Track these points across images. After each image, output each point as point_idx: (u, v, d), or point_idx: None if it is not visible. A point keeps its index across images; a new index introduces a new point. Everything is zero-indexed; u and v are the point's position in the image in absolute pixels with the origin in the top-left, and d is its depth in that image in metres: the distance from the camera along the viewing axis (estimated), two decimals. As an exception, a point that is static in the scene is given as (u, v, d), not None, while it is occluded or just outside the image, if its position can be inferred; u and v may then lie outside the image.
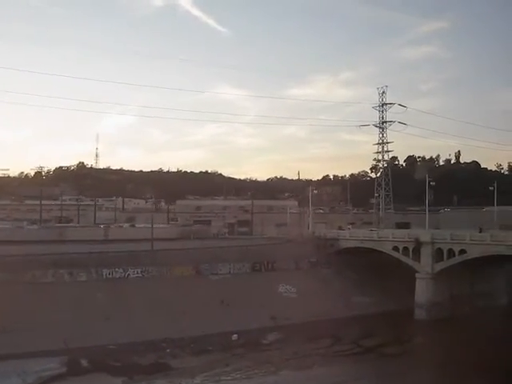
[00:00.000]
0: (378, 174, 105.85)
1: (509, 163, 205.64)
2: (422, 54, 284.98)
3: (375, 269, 72.66)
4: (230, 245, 76.98)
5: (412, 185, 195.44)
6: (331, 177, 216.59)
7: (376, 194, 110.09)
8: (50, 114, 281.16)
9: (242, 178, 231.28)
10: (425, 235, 69.02)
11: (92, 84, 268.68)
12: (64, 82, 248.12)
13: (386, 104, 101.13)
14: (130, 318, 56.87)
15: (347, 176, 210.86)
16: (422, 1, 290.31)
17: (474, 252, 64.17)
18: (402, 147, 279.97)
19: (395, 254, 71.35)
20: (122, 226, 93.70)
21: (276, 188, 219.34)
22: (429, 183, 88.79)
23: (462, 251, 65.18)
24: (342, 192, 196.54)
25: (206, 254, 70.88)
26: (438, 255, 67.55)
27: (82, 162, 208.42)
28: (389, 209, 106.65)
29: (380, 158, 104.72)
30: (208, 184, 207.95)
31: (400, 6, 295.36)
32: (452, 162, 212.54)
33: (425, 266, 67.98)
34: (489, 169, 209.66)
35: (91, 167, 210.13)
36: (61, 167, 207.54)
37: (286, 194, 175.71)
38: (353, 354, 53.74)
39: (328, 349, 54.89)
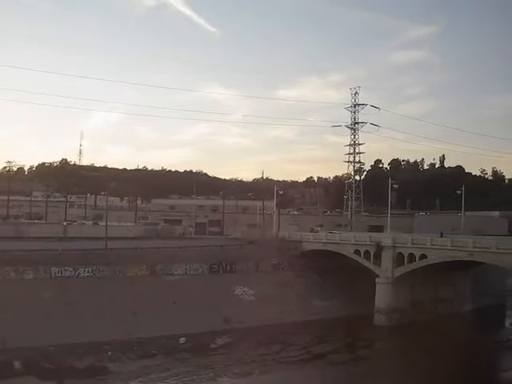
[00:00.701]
0: (352, 176, 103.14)
1: (493, 168, 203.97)
2: (411, 58, 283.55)
3: (338, 272, 70.65)
4: (190, 245, 74.39)
5: (394, 188, 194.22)
6: (315, 179, 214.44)
7: (345, 196, 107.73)
8: (36, 111, 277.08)
9: (228, 178, 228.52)
10: (386, 239, 66.98)
11: (80, 81, 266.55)
12: (51, 78, 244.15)
13: (359, 105, 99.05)
14: (75, 318, 54.45)
15: (331, 178, 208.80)
16: (412, 5, 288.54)
17: (434, 257, 62.22)
18: (387, 150, 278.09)
19: (357, 258, 69.29)
20: (84, 224, 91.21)
21: (261, 189, 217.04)
22: (392, 186, 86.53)
23: (423, 256, 63.19)
24: (325, 194, 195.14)
25: (163, 254, 68.50)
26: (399, 260, 65.50)
27: (65, 159, 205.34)
28: (359, 211, 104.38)
29: (351, 159, 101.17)
30: (192, 183, 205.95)
31: (390, 11, 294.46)
32: (436, 166, 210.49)
33: (385, 270, 65.96)
34: (473, 174, 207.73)
35: (74, 164, 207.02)
36: (43, 164, 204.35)
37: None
38: (300, 360, 51.59)
39: (276, 354, 52.73)
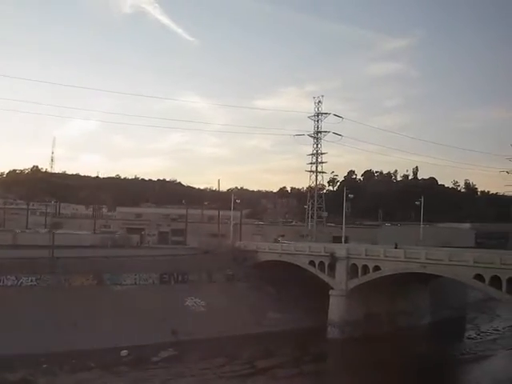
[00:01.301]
0: (323, 185, 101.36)
1: (465, 181, 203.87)
2: (388, 70, 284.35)
3: (294, 284, 68.78)
4: (143, 254, 72.02)
5: (368, 199, 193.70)
6: (289, 189, 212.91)
7: (305, 206, 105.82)
8: (10, 118, 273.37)
9: (202, 187, 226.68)
10: (340, 250, 65.03)
11: (56, 88, 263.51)
12: (26, 85, 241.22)
13: (322, 114, 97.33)
14: (14, 328, 52.14)
15: (305, 188, 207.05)
16: (389, 18, 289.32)
17: (387, 269, 60.38)
18: (363, 162, 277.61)
19: (311, 269, 67.36)
20: (37, 232, 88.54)
21: (226, 199, 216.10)
22: (347, 196, 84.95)
23: (377, 268, 61.35)
24: (298, 204, 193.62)
25: (113, 263, 66.15)
26: (353, 271, 63.60)
27: (37, 166, 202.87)
28: (321, 221, 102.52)
29: (314, 168, 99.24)
30: (165, 192, 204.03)
31: (367, 23, 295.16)
32: (410, 177, 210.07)
33: (339, 282, 64.04)
34: (446, 186, 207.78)
35: (46, 172, 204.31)
36: (14, 171, 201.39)
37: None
38: (241, 375, 49.26)
39: (218, 368, 50.46)
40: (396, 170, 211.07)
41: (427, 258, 57.16)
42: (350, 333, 62.36)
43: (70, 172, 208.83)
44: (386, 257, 60.51)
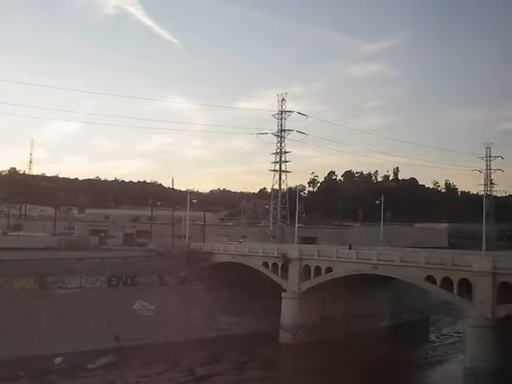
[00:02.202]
0: (275, 186, 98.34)
1: (446, 181, 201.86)
2: (370, 72, 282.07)
3: (249, 286, 65.54)
4: (93, 256, 68.86)
5: (347, 199, 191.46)
6: (269, 190, 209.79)
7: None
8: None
9: (184, 189, 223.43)
10: (292, 251, 62.24)
11: (37, 90, 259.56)
12: (7, 87, 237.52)
13: (285, 112, 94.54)
14: None
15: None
16: (372, 22, 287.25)
17: (340, 270, 57.73)
18: (342, 163, 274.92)
19: (264, 271, 64.62)
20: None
21: (215, 200, 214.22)
22: (299, 196, 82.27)
23: (329, 269, 58.67)
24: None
25: (59, 266, 63.06)
26: (306, 273, 60.88)
27: (14, 168, 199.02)
28: (284, 222, 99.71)
29: (277, 168, 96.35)
30: (144, 194, 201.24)
31: (351, 27, 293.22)
32: (390, 178, 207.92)
33: (292, 284, 61.32)
34: (426, 186, 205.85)
35: (24, 174, 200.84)
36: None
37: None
38: (177, 383, 46.64)
39: (154, 376, 47.75)
40: (376, 171, 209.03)
41: (379, 259, 54.59)
42: (303, 337, 59.80)
43: (48, 174, 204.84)
44: (339, 258, 57.87)
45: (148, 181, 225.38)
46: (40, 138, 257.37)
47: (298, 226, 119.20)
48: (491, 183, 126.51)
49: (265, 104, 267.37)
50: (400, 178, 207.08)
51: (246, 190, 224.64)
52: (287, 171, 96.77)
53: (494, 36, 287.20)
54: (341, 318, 63.58)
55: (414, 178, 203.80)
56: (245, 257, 67.49)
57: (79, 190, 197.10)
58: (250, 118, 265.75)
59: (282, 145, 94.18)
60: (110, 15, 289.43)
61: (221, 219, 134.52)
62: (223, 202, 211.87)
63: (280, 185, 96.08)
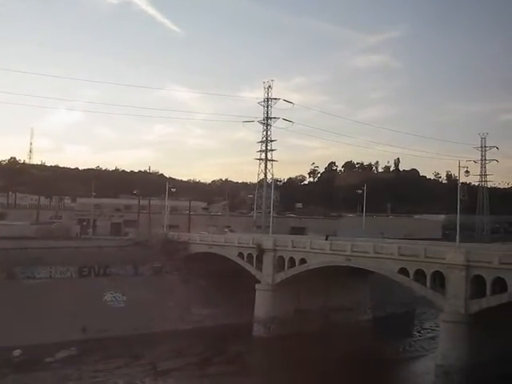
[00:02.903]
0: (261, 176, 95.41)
1: (447, 172, 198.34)
2: (372, 63, 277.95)
3: (227, 277, 63.00)
4: (66, 246, 66.29)
5: (347, 190, 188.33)
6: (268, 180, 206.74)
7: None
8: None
9: (185, 179, 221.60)
10: (267, 241, 59.67)
11: (38, 79, 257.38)
12: (9, 76, 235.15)
13: (271, 99, 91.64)
14: None
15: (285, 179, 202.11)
16: (373, 13, 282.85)
17: (313, 262, 55.13)
18: (343, 153, 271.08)
19: (240, 262, 62.13)
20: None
21: (217, 191, 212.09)
22: (275, 185, 79.60)
23: (303, 260, 56.12)
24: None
25: (28, 256, 60.76)
26: (281, 264, 58.34)
27: (14, 158, 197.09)
28: (269, 212, 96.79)
29: (263, 156, 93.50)
30: (145, 184, 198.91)
31: (354, 19, 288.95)
32: (391, 169, 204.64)
33: (266, 275, 58.84)
34: (428, 177, 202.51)
35: (24, 163, 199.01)
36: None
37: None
38: (135, 377, 44.49)
39: (112, 371, 45.63)
40: (377, 162, 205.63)
41: (353, 251, 51.96)
42: (277, 330, 57.39)
43: (50, 164, 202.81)
44: (313, 249, 55.28)
45: (149, 171, 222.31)
46: (41, 127, 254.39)
47: (289, 216, 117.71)
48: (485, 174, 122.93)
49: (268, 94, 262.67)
50: (401, 169, 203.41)
51: (248, 181, 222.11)
52: (273, 160, 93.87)
53: (495, 28, 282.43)
54: (318, 310, 61.07)
55: (414, 169, 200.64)
56: (220, 247, 65.04)
57: (79, 180, 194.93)
58: (252, 107, 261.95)
59: (269, 133, 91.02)
60: (113, 4, 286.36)
61: (204, 208, 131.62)
62: (225, 193, 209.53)
63: (265, 173, 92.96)
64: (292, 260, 56.99)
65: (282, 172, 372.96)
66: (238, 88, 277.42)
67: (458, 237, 50.97)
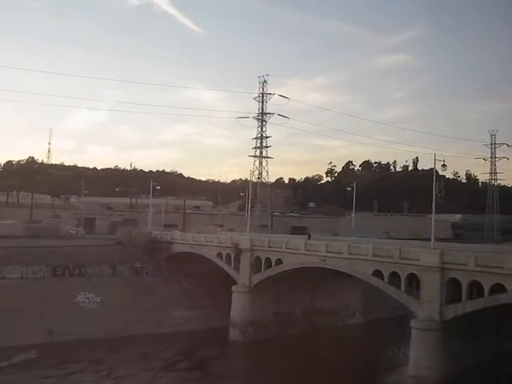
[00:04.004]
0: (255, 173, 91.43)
1: (467, 171, 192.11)
2: (394, 62, 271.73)
3: (210, 278, 59.39)
4: (41, 245, 62.96)
5: (364, 190, 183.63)
6: (286, 180, 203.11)
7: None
8: (18, 109, 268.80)
9: (204, 179, 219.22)
10: (244, 241, 55.99)
11: (61, 79, 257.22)
12: (35, 77, 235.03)
13: (266, 94, 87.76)
14: None
15: (302, 179, 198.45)
16: (391, 14, 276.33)
17: (289, 262, 51.35)
18: (361, 153, 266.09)
19: (219, 262, 58.60)
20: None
21: (236, 190, 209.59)
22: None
23: (279, 261, 52.36)
24: (294, 195, 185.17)
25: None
26: (258, 265, 54.65)
27: (32, 157, 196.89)
28: (264, 210, 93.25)
29: (258, 153, 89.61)
30: (164, 183, 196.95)
31: (371, 20, 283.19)
32: (410, 168, 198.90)
33: (243, 277, 55.18)
34: (447, 177, 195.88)
35: (42, 163, 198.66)
36: (10, 162, 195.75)
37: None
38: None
39: (64, 377, 42.79)
40: (395, 161, 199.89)
41: (327, 251, 48.09)
42: (255, 334, 53.75)
43: (71, 164, 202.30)
44: (288, 249, 51.46)
45: (168, 170, 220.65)
46: (64, 127, 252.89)
47: (289, 216, 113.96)
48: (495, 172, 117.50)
49: (289, 94, 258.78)
50: (420, 169, 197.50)
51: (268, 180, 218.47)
52: (268, 157, 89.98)
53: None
54: (301, 314, 57.49)
55: (433, 169, 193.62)
56: (201, 246, 61.54)
57: (97, 179, 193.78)
58: (273, 107, 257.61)
59: (264, 129, 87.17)
60: (134, 5, 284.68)
61: (195, 207, 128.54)
62: (244, 192, 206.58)
63: (260, 170, 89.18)
64: (269, 260, 53.27)
65: (300, 171, 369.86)
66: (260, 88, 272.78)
67: (432, 237, 46.52)
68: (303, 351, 51.28)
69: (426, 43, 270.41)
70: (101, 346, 50.16)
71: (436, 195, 48.90)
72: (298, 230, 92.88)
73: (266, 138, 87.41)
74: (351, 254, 46.10)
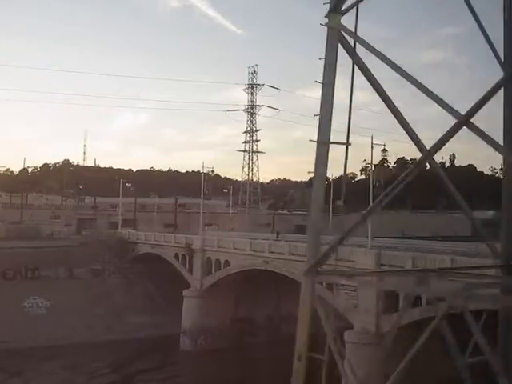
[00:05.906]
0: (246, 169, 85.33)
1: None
2: (435, 58, 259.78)
3: (173, 281, 54.07)
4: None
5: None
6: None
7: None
8: (63, 112, 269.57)
9: (239, 179, 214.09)
10: (197, 241, 50.22)
11: (103, 80, 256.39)
12: (79, 78, 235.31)
13: (256, 85, 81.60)
14: None
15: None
16: (433, 8, 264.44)
17: (236, 264, 45.36)
18: (398, 151, 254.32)
19: (175, 263, 53.08)
20: None
21: (275, 190, 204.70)
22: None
23: (227, 262, 46.41)
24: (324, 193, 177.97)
25: None
26: (210, 266, 48.78)
27: (68, 160, 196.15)
28: (256, 208, 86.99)
29: (248, 148, 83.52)
30: (198, 184, 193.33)
31: (413, 15, 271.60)
32: (447, 165, 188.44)
33: (196, 279, 49.48)
34: (485, 173, 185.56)
35: (77, 165, 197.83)
36: (47, 164, 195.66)
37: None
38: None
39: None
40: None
41: (270, 252, 41.93)
42: (208, 343, 47.94)
43: (102, 165, 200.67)
44: (235, 249, 45.56)
45: (205, 171, 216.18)
46: (104, 129, 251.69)
47: (296, 214, 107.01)
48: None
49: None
50: (457, 165, 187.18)
51: (300, 179, 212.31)
52: (259, 151, 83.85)
53: None
54: (265, 320, 51.16)
55: (471, 165, 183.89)
56: (161, 247, 56.11)
57: (132, 181, 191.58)
58: (311, 106, 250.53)
59: (253, 122, 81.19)
60: (175, 7, 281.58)
61: (180, 205, 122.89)
62: (281, 192, 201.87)
63: (250, 165, 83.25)
64: (218, 262, 47.36)
65: (336, 170, 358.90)
66: (300, 87, 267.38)
67: (369, 235, 39.71)
68: (263, 362, 45.02)
69: (467, 39, 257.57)
70: (33, 355, 45.40)
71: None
72: (302, 229, 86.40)
73: (256, 131, 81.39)
74: (292, 254, 39.76)
